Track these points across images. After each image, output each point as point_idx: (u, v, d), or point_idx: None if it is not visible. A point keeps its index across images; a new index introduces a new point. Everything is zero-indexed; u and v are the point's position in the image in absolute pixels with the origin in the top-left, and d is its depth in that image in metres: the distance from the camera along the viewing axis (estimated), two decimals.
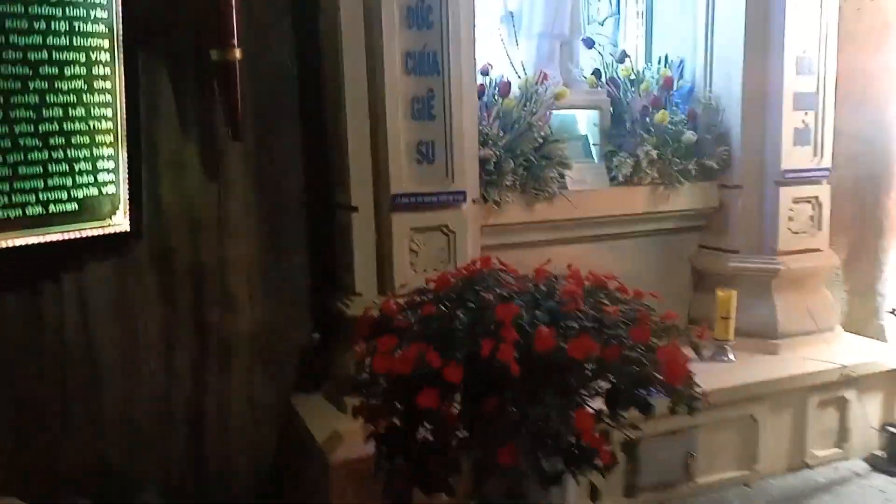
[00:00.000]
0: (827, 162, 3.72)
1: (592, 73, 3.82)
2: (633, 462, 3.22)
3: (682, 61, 3.87)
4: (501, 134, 3.32)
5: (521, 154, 3.35)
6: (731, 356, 3.59)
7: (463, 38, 3.03)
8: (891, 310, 3.79)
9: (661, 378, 1.86)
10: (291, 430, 3.21)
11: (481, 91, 3.36)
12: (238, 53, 2.80)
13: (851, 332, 4.06)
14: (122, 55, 2.69)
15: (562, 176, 3.48)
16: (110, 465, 2.93)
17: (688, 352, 2.11)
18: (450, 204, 3.08)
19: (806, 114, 3.62)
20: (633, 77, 3.81)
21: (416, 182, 3.01)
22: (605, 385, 2.02)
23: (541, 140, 3.41)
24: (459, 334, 1.93)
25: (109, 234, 2.75)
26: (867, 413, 3.64)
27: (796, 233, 3.72)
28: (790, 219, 3.70)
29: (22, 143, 2.46)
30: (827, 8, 3.61)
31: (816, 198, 3.75)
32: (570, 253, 3.48)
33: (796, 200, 3.71)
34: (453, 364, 1.85)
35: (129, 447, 2.97)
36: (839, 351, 3.71)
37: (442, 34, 2.97)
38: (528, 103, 3.40)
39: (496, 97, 3.40)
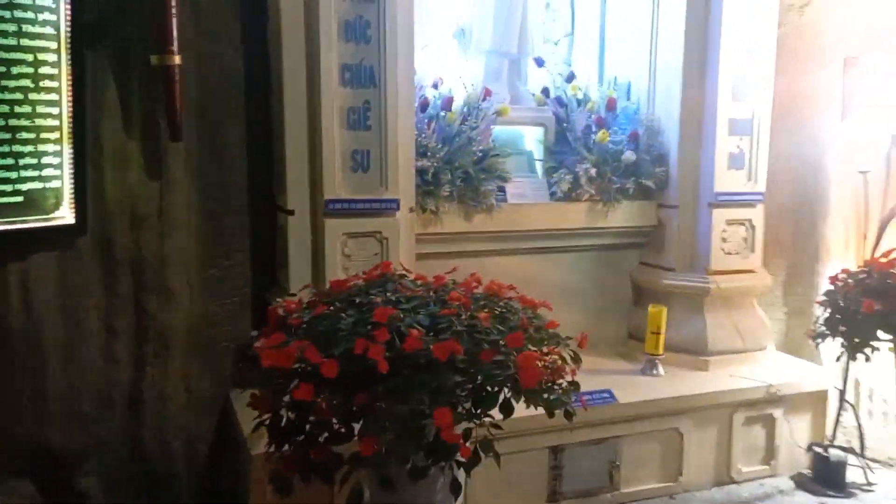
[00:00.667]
0: (761, 186, 3.78)
1: (541, 92, 3.93)
2: (557, 468, 3.33)
3: (629, 83, 3.95)
4: (440, 146, 3.42)
5: (460, 166, 3.44)
6: (660, 370, 3.68)
7: (401, 53, 3.11)
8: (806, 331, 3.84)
9: (518, 380, 1.97)
10: (229, 422, 3.31)
11: (426, 104, 3.47)
12: (177, 59, 2.91)
13: (789, 353, 4.13)
14: (69, 56, 2.81)
15: (501, 189, 3.58)
16: (51, 447, 3.01)
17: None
18: (383, 211, 3.17)
19: (741, 139, 3.68)
20: (580, 97, 3.91)
21: (350, 189, 3.10)
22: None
23: (480, 154, 3.51)
24: (342, 333, 2.06)
25: (53, 227, 2.87)
26: (795, 432, 3.69)
27: (729, 253, 3.79)
28: (723, 240, 3.77)
29: None
30: (763, 35, 3.66)
31: (750, 220, 3.81)
32: (511, 264, 3.62)
33: (730, 222, 3.77)
34: (329, 361, 1.98)
35: (70, 430, 3.04)
36: (768, 370, 3.77)
37: (379, 49, 3.05)
38: (469, 118, 3.51)
39: (441, 110, 3.51)
